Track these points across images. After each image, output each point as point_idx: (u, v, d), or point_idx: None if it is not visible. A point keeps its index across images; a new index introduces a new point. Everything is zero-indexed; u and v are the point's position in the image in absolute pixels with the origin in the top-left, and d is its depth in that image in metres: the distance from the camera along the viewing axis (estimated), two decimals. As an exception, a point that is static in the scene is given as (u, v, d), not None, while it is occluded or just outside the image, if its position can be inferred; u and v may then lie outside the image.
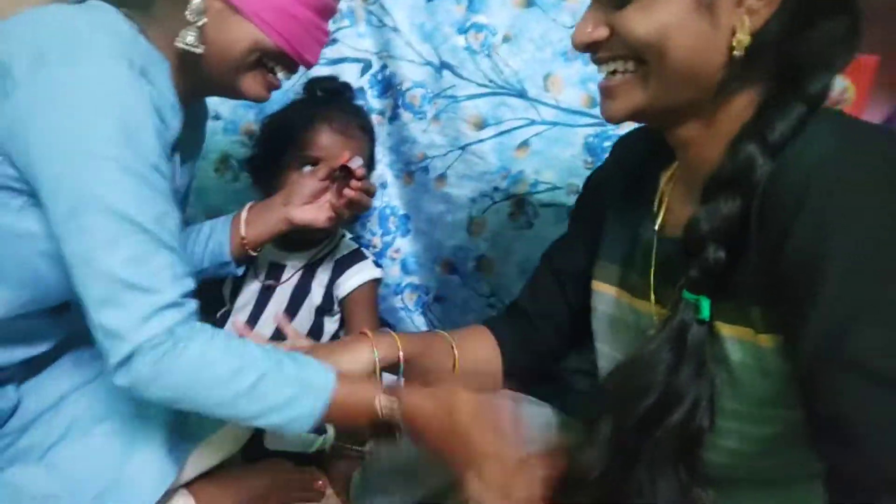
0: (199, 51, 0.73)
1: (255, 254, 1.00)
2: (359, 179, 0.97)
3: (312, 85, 1.15)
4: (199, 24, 0.72)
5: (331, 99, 1.14)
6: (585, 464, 0.63)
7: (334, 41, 1.25)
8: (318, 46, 0.82)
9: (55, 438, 0.80)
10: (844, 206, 0.49)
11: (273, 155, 1.10)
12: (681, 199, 0.68)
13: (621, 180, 0.77)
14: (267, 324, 1.12)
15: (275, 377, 0.68)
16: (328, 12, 0.81)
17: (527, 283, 0.89)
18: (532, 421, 0.79)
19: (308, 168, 1.06)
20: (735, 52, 0.55)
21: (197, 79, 0.78)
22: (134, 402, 0.78)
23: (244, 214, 0.99)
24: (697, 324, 0.59)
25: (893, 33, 0.91)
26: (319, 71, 1.26)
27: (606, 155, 1.12)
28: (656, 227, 0.69)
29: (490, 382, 0.84)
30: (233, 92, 0.80)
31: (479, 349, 0.85)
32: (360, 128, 1.12)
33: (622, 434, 0.61)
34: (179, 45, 0.72)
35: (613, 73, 0.61)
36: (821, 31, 0.56)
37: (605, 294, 0.76)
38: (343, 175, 0.98)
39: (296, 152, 1.07)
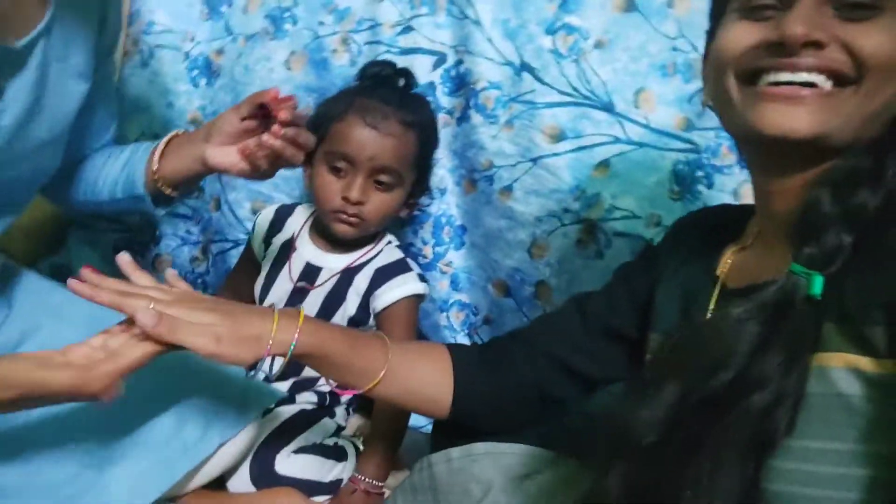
0: None
1: (171, 194, 0.84)
2: (284, 124, 0.75)
3: (365, 70, 1.03)
4: None
5: (376, 87, 1.00)
6: (639, 425, 0.53)
7: (409, 29, 1.14)
8: None
9: None
10: None
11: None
12: (756, 254, 0.65)
13: (679, 255, 0.73)
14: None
15: None
16: None
17: (540, 319, 0.85)
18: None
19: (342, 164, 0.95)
20: None
21: None
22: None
23: (162, 144, 0.83)
24: (805, 301, 0.50)
25: None
26: (389, 59, 1.16)
27: (697, 187, 1.02)
28: (717, 286, 0.64)
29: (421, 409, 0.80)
30: None
31: (422, 370, 0.77)
32: (401, 123, 0.96)
33: (688, 406, 0.52)
34: None
35: (810, 85, 0.54)
36: None
37: None
38: (267, 116, 0.77)
39: (324, 147, 0.95)
